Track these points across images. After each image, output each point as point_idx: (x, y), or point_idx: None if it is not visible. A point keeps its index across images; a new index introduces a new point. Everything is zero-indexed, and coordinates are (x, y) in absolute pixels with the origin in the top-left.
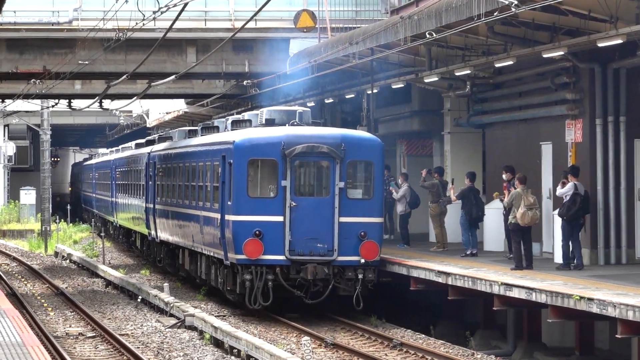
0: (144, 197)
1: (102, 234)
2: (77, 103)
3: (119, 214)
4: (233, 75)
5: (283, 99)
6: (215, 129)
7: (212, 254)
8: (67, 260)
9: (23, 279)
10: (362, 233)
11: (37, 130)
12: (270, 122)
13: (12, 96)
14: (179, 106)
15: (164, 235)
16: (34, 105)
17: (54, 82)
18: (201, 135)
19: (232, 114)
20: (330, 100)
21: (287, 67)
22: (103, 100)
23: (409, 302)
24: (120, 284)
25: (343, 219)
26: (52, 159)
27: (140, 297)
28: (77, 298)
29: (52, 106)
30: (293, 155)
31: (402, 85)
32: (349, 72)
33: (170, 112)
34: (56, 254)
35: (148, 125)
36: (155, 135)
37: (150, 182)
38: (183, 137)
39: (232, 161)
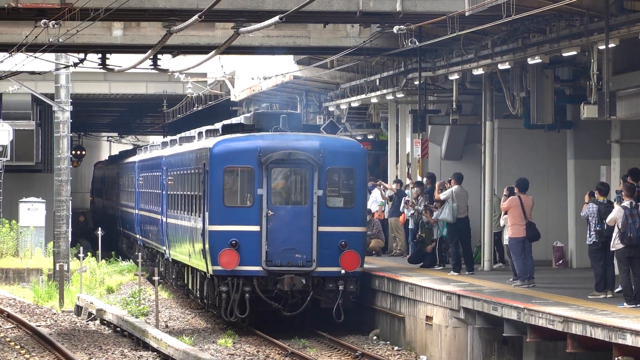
0: (160, 209)
1: (157, 278)
2: (117, 60)
3: (143, 230)
4: (375, 17)
5: (458, 55)
6: (216, 132)
7: (200, 267)
8: (97, 321)
9: (23, 351)
10: (343, 243)
11: (50, 104)
12: (249, 128)
13: (8, 47)
14: (286, 67)
15: (172, 251)
16: (44, 62)
17: (78, 25)
18: (205, 139)
19: (374, 83)
20: (537, 60)
21: (465, 3)
22: (159, 57)
23: None
24: None
25: (322, 229)
26: (74, 152)
27: None
28: None
29: (75, 65)
30: (269, 162)
31: None
32: (569, 12)
33: (269, 77)
34: (79, 310)
35: (233, 99)
36: (178, 136)
37: (163, 192)
38: (196, 139)
39: (209, 169)
